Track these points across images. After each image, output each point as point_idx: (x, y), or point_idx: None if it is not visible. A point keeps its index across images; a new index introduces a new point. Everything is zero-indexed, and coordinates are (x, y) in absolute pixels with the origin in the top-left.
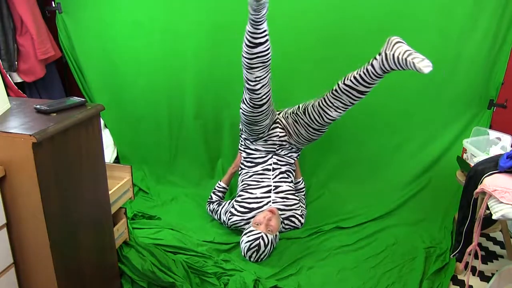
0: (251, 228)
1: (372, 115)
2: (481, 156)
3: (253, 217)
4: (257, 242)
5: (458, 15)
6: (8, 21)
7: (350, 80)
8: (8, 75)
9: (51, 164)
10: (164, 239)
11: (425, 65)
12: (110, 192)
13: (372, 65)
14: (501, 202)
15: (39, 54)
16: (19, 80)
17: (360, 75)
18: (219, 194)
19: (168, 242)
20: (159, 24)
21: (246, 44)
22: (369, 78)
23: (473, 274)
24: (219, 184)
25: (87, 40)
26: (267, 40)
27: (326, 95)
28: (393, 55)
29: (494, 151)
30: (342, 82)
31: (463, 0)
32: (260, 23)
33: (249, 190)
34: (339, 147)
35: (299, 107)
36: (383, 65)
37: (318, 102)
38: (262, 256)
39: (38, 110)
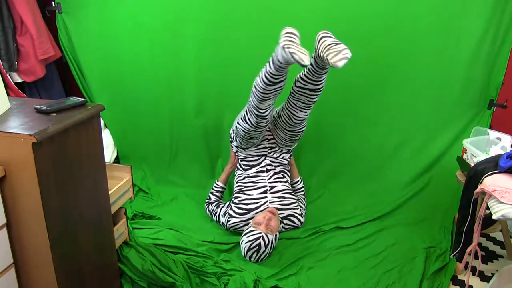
0: (251, 228)
1: (372, 115)
2: (481, 156)
3: (251, 218)
4: (258, 242)
5: (458, 15)
6: (8, 21)
7: (299, 81)
8: (8, 75)
9: (51, 164)
10: (164, 239)
11: (338, 59)
12: (110, 192)
13: (311, 63)
14: (501, 202)
15: (39, 54)
16: (19, 80)
17: (305, 74)
18: (217, 194)
19: (168, 242)
20: (159, 24)
21: (265, 82)
22: (313, 75)
23: (473, 274)
24: (216, 183)
25: (87, 40)
26: (286, 76)
27: (288, 97)
28: (318, 52)
29: (494, 151)
30: (294, 84)
31: (464, 0)
32: (287, 68)
33: (245, 192)
34: (339, 147)
35: (277, 111)
36: (317, 63)
37: (285, 105)
38: (262, 256)
39: (38, 110)
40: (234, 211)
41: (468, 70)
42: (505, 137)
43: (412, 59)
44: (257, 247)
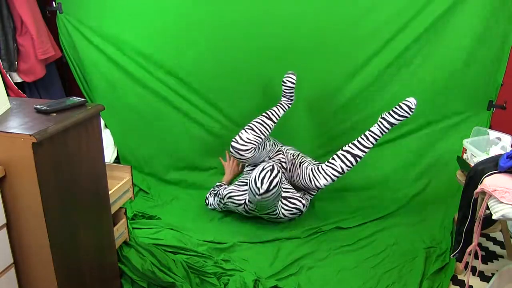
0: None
1: (372, 115)
2: (481, 156)
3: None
4: (270, 166)
5: (458, 15)
6: (8, 21)
7: (349, 146)
8: (8, 75)
9: (51, 164)
10: (164, 239)
11: (410, 99)
12: (110, 192)
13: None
14: (501, 202)
15: (39, 54)
16: (19, 80)
17: (359, 141)
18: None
19: (168, 242)
20: (159, 24)
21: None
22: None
23: (473, 274)
24: (221, 182)
25: (87, 40)
26: None
27: (321, 165)
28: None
29: (494, 151)
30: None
31: (463, 0)
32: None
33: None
34: (339, 147)
35: (299, 155)
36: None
37: (310, 167)
38: (275, 182)
39: (38, 110)
40: (234, 184)
41: (467, 70)
42: (505, 137)
43: (411, 59)
44: (270, 167)
